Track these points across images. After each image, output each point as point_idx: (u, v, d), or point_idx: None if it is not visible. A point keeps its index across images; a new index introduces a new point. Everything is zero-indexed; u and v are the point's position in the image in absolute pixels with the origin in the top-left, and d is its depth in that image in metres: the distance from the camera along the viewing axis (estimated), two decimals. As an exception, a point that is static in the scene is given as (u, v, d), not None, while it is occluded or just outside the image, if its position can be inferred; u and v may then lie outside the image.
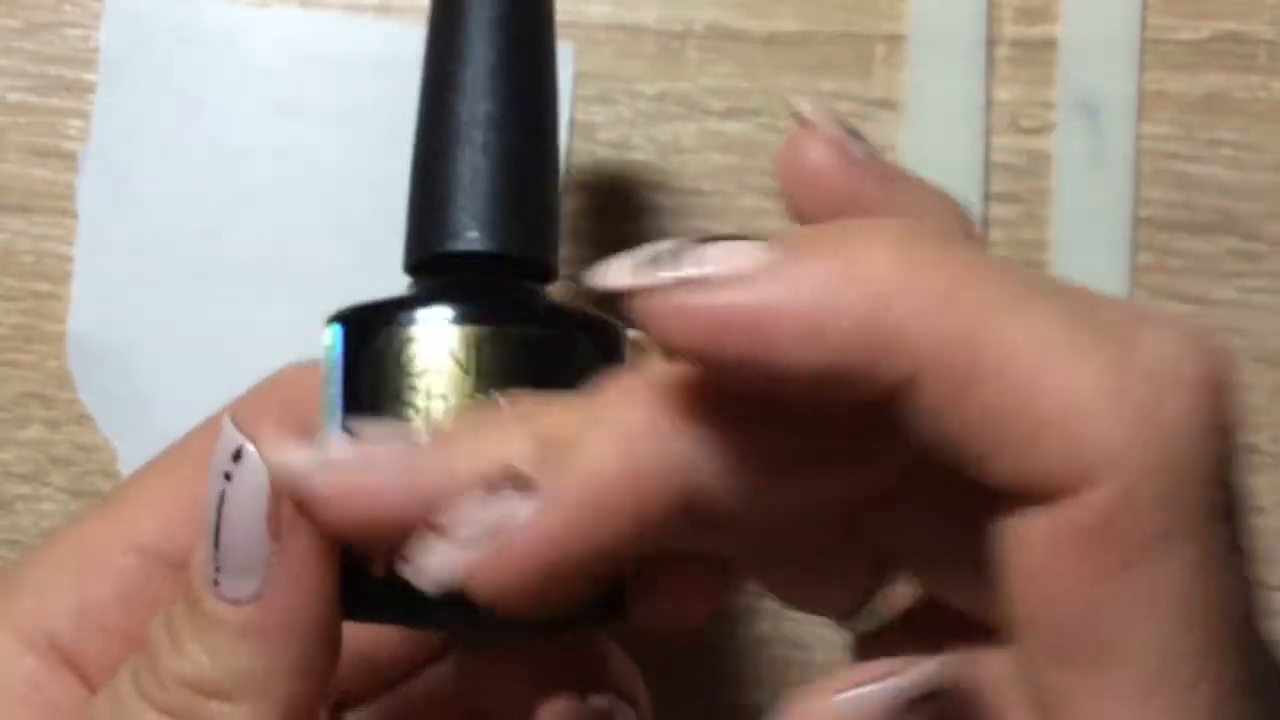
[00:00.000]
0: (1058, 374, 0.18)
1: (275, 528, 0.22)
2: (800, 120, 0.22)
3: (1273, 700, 0.20)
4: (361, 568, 0.23)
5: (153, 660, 0.23)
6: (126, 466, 0.35)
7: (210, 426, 0.28)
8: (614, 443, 0.21)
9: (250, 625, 0.23)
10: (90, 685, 0.26)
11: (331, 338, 0.25)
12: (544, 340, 0.24)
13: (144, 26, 0.35)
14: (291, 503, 0.22)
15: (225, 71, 0.35)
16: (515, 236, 0.26)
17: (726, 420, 0.21)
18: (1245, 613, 0.19)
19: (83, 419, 0.35)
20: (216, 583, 0.23)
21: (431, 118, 0.26)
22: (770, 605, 0.35)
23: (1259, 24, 0.35)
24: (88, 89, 0.35)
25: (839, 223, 0.21)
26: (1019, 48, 0.35)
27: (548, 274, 0.26)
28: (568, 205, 0.35)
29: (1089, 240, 0.35)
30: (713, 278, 0.19)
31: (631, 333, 0.26)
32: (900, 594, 0.25)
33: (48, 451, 0.35)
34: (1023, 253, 0.35)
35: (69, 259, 0.35)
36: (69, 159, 0.36)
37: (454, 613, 0.23)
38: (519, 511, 0.21)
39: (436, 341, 0.24)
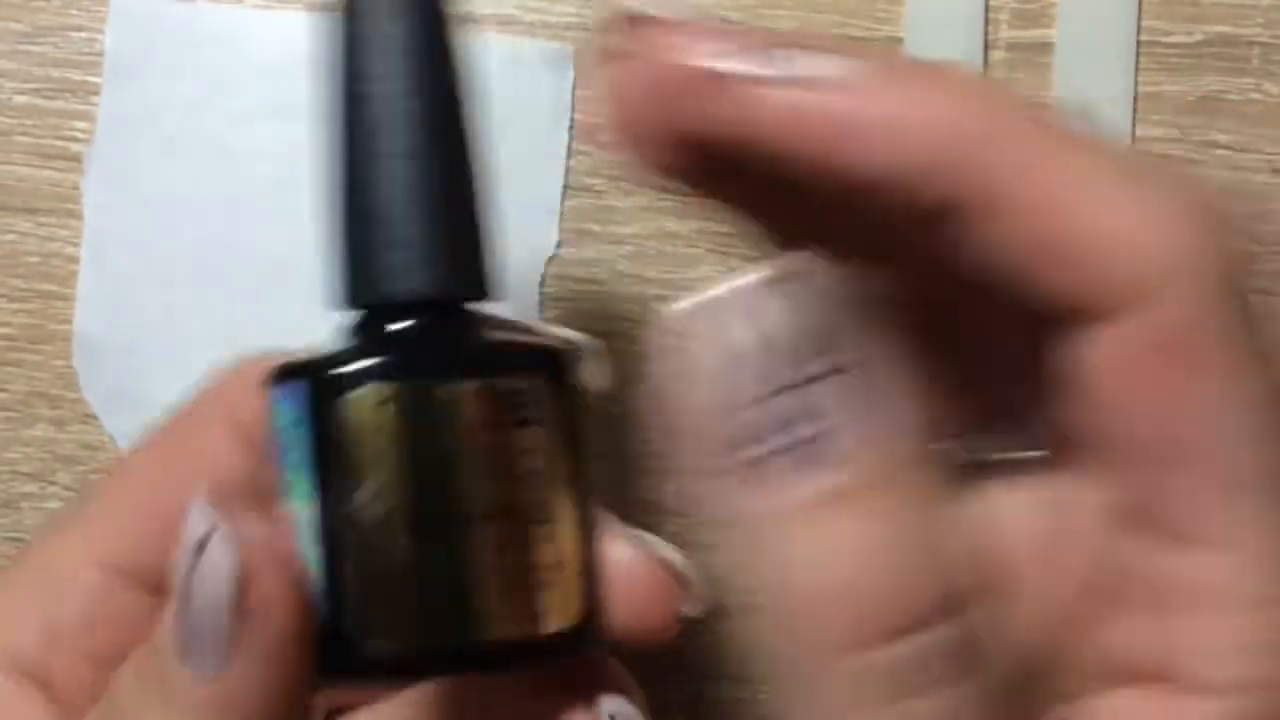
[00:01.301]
0: (1118, 200, 0.20)
1: (242, 612, 0.23)
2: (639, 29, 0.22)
3: None
4: (338, 633, 0.24)
5: None
6: (131, 465, 0.35)
7: (161, 434, 0.28)
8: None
9: (212, 702, 0.23)
10: (57, 703, 0.26)
11: (287, 404, 0.24)
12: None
13: (148, 29, 0.36)
14: (260, 586, 0.23)
15: (229, 73, 0.36)
16: (448, 277, 0.25)
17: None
18: None
19: (89, 418, 0.36)
20: (183, 656, 0.23)
21: (344, 149, 0.25)
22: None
23: (1252, 27, 0.35)
24: (93, 91, 0.36)
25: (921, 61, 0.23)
26: (1015, 50, 0.36)
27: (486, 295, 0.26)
28: (568, 205, 0.36)
29: (1084, 241, 0.35)
30: (818, 79, 0.21)
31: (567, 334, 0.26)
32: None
33: (54, 450, 0.36)
34: (1018, 253, 0.36)
35: (75, 260, 0.36)
36: (75, 161, 0.36)
37: (438, 666, 0.24)
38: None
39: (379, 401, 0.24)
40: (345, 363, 0.24)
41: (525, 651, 0.24)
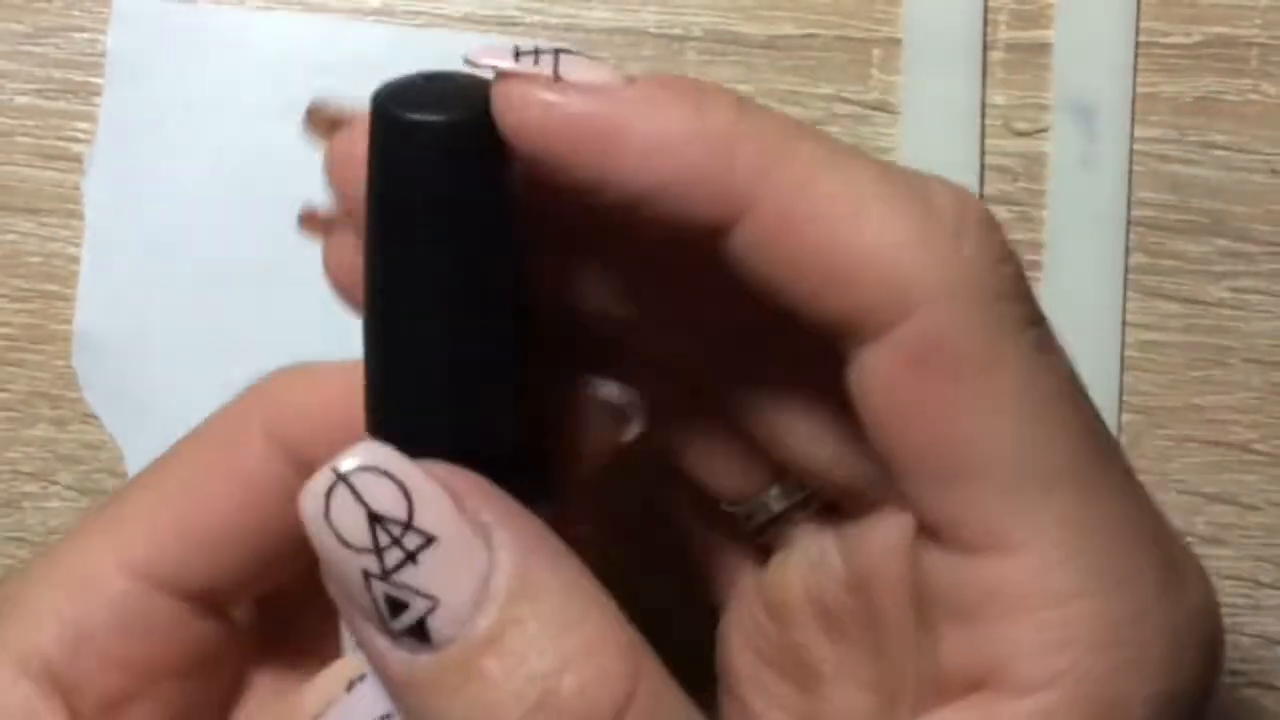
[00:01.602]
0: (874, 219, 0.21)
1: None
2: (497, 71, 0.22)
3: (1129, 482, 0.22)
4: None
5: None
6: (132, 465, 0.35)
7: (199, 436, 0.28)
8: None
9: None
10: (78, 715, 0.25)
11: None
12: None
13: (150, 30, 0.36)
14: None
15: (230, 75, 0.36)
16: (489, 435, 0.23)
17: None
18: (1076, 406, 0.22)
19: (90, 418, 0.36)
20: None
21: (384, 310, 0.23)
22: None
23: (1250, 28, 0.35)
24: (95, 92, 0.36)
25: (686, 77, 0.23)
26: (1014, 51, 0.36)
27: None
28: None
29: (1082, 241, 0.36)
30: (578, 82, 0.21)
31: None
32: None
33: (55, 450, 0.36)
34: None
35: (77, 260, 0.36)
36: (77, 161, 0.36)
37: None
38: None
39: None
40: None
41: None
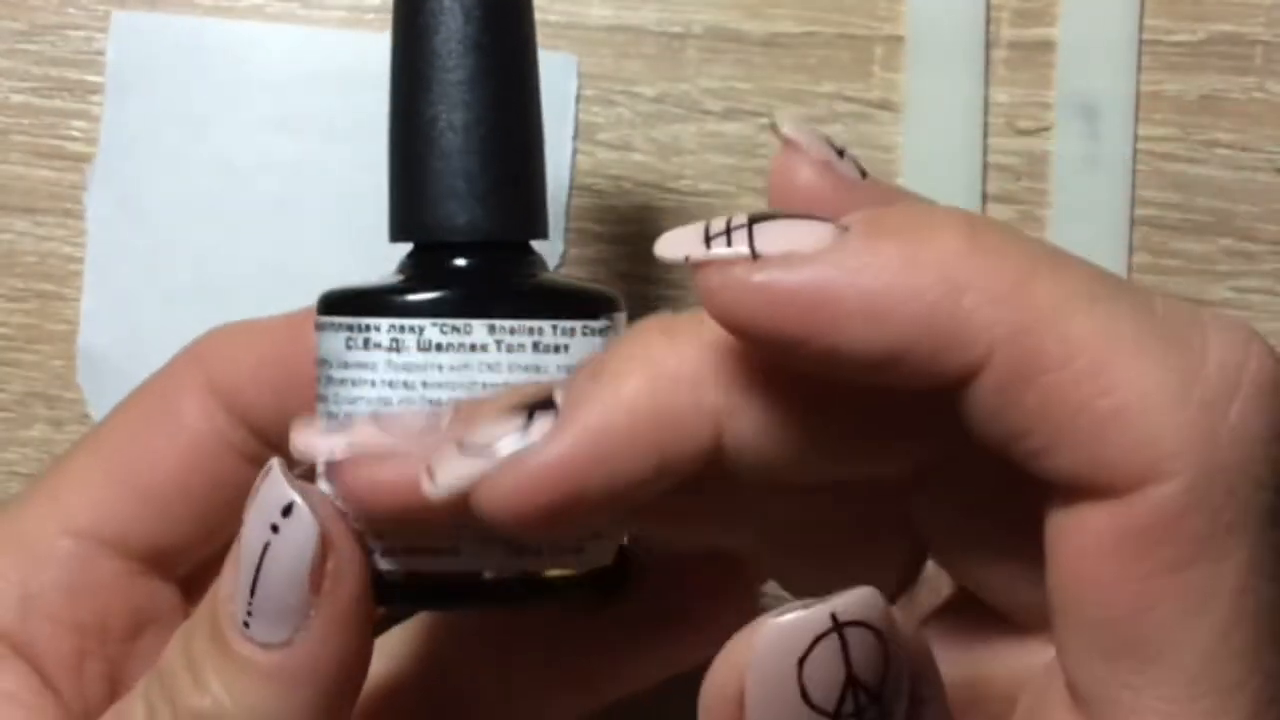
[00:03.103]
0: (1126, 370, 0.18)
1: (317, 582, 0.22)
2: (784, 141, 0.22)
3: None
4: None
5: (170, 691, 0.23)
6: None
7: (139, 395, 0.28)
8: (647, 376, 0.20)
9: (277, 670, 0.22)
10: (41, 674, 0.26)
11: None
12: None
13: (151, 43, 0.36)
14: (335, 559, 0.22)
15: (230, 87, 0.35)
16: (500, 220, 0.25)
17: (772, 385, 0.20)
18: (1274, 618, 0.19)
19: (86, 418, 0.36)
20: (247, 625, 0.22)
21: (404, 91, 0.26)
22: (768, 604, 0.35)
23: (1255, 25, 0.35)
24: (91, 90, 0.36)
25: (906, 205, 0.20)
26: (1017, 49, 0.36)
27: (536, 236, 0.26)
28: (569, 205, 0.36)
29: (1086, 240, 0.35)
30: (777, 256, 0.19)
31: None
32: (924, 595, 0.24)
33: (51, 450, 0.36)
34: (1020, 253, 0.36)
35: (73, 259, 0.36)
36: (72, 160, 0.36)
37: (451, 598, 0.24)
38: (542, 430, 0.20)
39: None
40: (416, 293, 0.24)
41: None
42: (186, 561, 0.27)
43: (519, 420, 0.21)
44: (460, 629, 0.28)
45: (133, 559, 0.27)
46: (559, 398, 0.21)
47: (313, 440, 0.23)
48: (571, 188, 0.35)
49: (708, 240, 0.19)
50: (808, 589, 0.23)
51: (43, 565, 0.26)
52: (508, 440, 0.20)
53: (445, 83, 0.25)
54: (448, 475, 0.21)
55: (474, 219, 0.25)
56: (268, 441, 0.26)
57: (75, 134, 0.36)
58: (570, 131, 0.35)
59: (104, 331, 0.35)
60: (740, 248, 0.19)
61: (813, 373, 0.20)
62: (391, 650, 0.28)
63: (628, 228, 0.36)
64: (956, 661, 0.22)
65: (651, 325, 0.21)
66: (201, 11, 0.36)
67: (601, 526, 0.24)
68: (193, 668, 0.23)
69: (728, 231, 0.19)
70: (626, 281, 0.35)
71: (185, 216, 0.35)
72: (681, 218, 0.35)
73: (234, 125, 0.35)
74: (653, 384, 0.20)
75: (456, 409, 0.22)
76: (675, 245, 0.20)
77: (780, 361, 0.20)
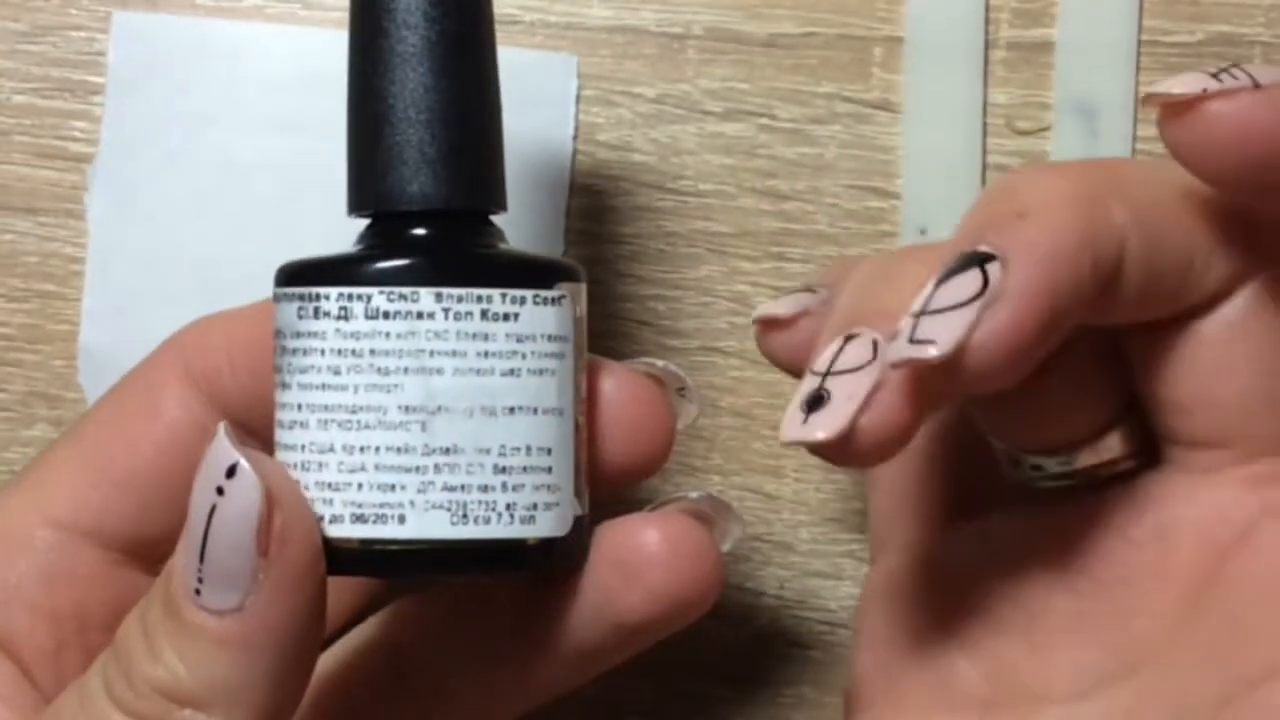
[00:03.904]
0: None
1: (264, 544, 0.23)
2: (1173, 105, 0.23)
3: None
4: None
5: (125, 663, 0.23)
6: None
7: (119, 387, 0.28)
8: (1074, 207, 0.23)
9: (230, 636, 0.23)
10: (20, 664, 0.26)
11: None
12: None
13: (152, 43, 0.36)
14: (280, 519, 0.23)
15: (231, 87, 0.35)
16: (451, 189, 0.26)
17: (1156, 206, 0.23)
18: None
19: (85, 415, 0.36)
20: (198, 592, 0.23)
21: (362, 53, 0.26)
22: (768, 603, 0.35)
23: (1254, 26, 0.35)
24: (93, 91, 0.36)
25: None
26: (1016, 50, 0.36)
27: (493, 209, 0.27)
28: (569, 205, 0.36)
29: (1085, 241, 0.35)
30: (1268, 82, 0.22)
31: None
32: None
33: (53, 450, 0.36)
34: (1019, 253, 0.35)
35: (74, 260, 0.36)
36: (74, 160, 0.36)
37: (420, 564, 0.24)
38: (993, 277, 0.22)
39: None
40: (366, 263, 0.25)
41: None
42: (166, 551, 0.27)
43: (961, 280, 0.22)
44: (428, 609, 0.28)
45: (111, 549, 0.27)
46: (996, 239, 0.22)
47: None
48: (571, 188, 0.36)
49: (1213, 79, 0.22)
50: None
51: (20, 554, 0.26)
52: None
53: (396, 53, 0.25)
54: (945, 337, 0.22)
55: (424, 187, 0.25)
56: (247, 427, 0.26)
57: (77, 134, 0.36)
58: (570, 131, 0.35)
59: (105, 331, 0.35)
60: (1243, 79, 0.22)
61: (1252, 201, 0.23)
62: (358, 636, 0.28)
63: (628, 228, 0.36)
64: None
65: (1026, 172, 0.25)
66: (202, 12, 0.36)
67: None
68: (148, 638, 0.23)
69: (1219, 75, 0.22)
70: (626, 282, 0.35)
71: (186, 216, 0.35)
72: (681, 218, 0.35)
73: (235, 125, 0.35)
74: (1074, 202, 0.23)
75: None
76: (1183, 84, 0.22)
77: (1243, 194, 0.23)
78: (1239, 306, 0.24)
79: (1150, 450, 0.26)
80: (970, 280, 0.22)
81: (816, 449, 0.22)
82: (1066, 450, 0.26)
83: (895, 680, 0.27)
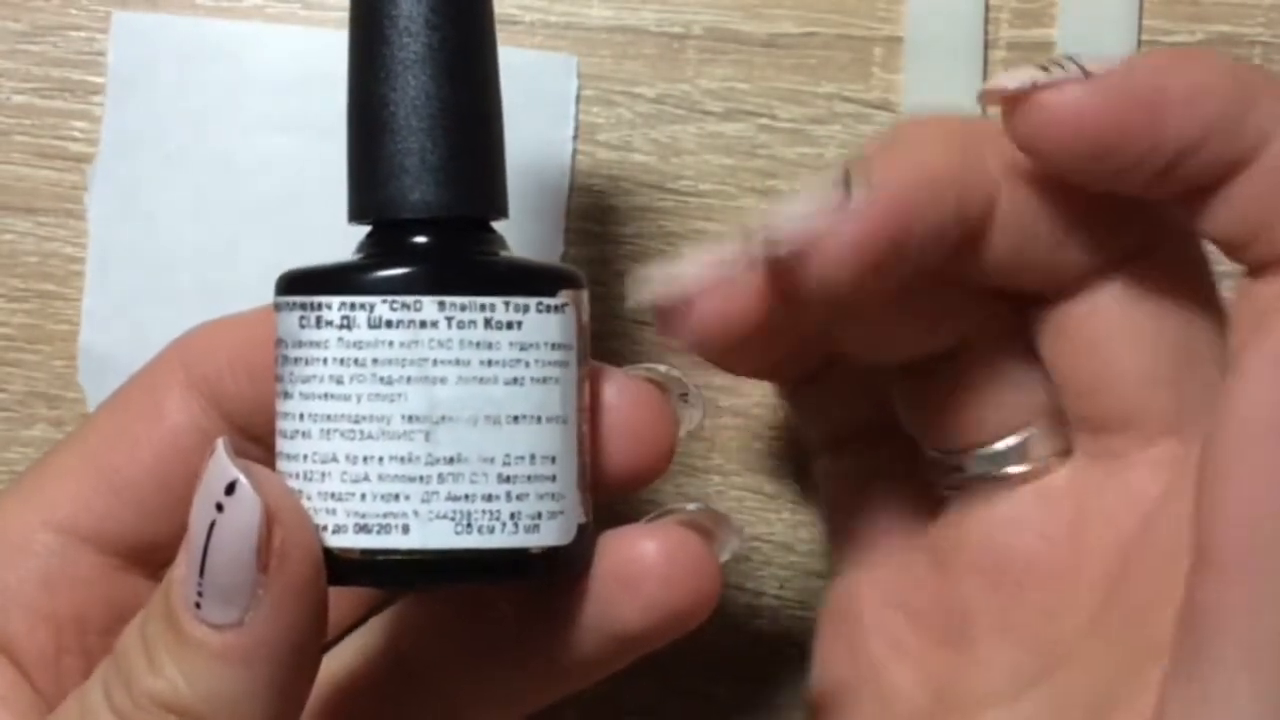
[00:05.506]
0: None
1: (264, 560, 0.22)
2: (1005, 97, 0.24)
3: None
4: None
5: (126, 675, 0.23)
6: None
7: (121, 392, 0.28)
8: (945, 143, 0.24)
9: (231, 650, 0.23)
10: (19, 668, 0.26)
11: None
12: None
13: (152, 43, 0.36)
14: (281, 535, 0.23)
15: (233, 88, 0.35)
16: (452, 197, 0.26)
17: (1033, 175, 0.24)
18: None
19: (87, 419, 0.36)
20: (198, 605, 0.23)
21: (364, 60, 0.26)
22: (768, 603, 0.35)
23: (1253, 26, 0.35)
24: (93, 91, 0.36)
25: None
26: (1016, 50, 0.36)
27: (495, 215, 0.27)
28: (569, 205, 0.36)
29: (1085, 241, 0.35)
30: (1104, 70, 0.23)
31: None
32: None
33: (53, 450, 0.36)
34: (1019, 253, 0.35)
35: (74, 260, 0.36)
36: (74, 160, 0.36)
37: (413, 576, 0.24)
38: (856, 197, 0.23)
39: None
40: (368, 272, 0.25)
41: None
42: (166, 556, 0.27)
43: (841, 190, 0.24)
44: (430, 614, 0.28)
45: (111, 553, 0.27)
46: (866, 162, 0.24)
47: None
48: (571, 188, 0.36)
49: (1042, 71, 0.23)
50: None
51: (20, 558, 0.26)
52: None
53: (397, 60, 0.25)
54: (788, 230, 0.24)
55: (425, 195, 0.25)
56: (249, 432, 0.27)
57: (77, 134, 0.36)
58: (570, 131, 0.35)
59: (105, 331, 0.35)
60: (1072, 70, 0.23)
61: (1091, 184, 0.24)
62: (359, 640, 0.28)
63: (628, 228, 0.36)
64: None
65: (922, 117, 0.27)
66: (202, 12, 0.36)
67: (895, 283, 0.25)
68: (148, 650, 0.23)
69: (1048, 68, 0.23)
70: (625, 282, 0.35)
71: (186, 216, 0.35)
72: (681, 217, 0.36)
73: (234, 125, 0.35)
74: (947, 142, 0.24)
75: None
76: (1014, 79, 0.23)
77: (1074, 174, 0.24)
78: (1126, 284, 0.25)
79: (1069, 450, 0.26)
80: (837, 192, 0.24)
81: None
82: (987, 448, 0.27)
83: (842, 702, 0.28)
